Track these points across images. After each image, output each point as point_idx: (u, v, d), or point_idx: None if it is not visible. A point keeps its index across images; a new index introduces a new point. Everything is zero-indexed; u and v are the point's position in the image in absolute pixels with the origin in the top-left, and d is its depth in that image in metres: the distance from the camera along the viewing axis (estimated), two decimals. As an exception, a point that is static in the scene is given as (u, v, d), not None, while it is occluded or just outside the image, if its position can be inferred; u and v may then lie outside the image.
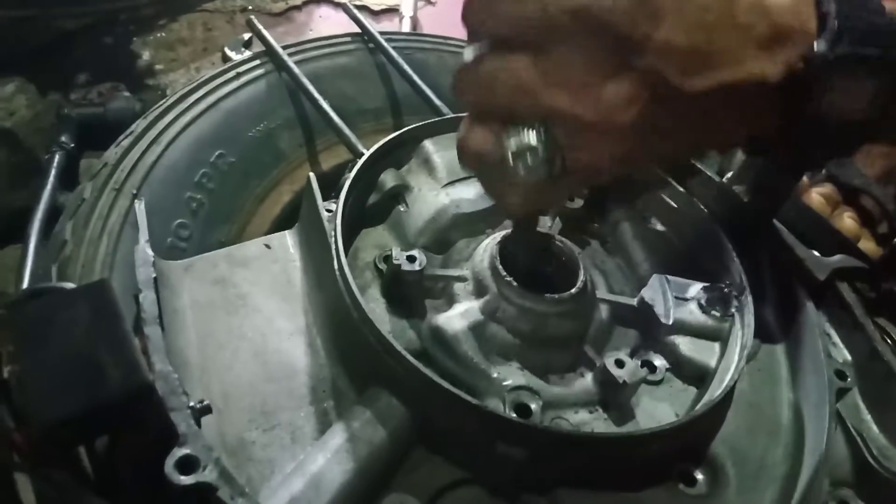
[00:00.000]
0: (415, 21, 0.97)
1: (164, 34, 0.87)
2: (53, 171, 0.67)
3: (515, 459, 0.44)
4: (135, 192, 0.54)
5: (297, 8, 0.94)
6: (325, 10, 0.96)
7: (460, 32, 0.84)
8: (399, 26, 0.95)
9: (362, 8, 0.96)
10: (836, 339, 0.56)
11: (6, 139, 0.70)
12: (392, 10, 0.98)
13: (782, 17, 0.39)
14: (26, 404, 0.33)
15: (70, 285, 0.41)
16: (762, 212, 0.63)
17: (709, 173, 0.62)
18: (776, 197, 0.63)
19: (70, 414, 0.34)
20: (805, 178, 0.81)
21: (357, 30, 0.73)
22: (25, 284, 0.54)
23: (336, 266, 0.48)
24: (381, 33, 0.73)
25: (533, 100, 0.38)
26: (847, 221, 0.78)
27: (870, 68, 0.41)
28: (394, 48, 0.72)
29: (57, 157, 0.69)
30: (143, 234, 0.46)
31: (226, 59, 0.84)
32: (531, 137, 0.39)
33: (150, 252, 0.45)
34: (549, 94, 0.38)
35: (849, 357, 0.55)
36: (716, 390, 0.49)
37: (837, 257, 0.60)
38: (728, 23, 0.37)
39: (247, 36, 0.87)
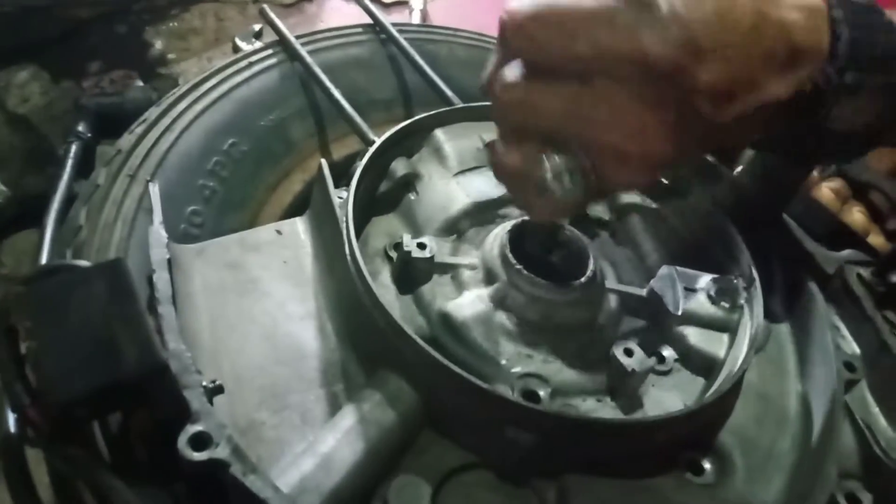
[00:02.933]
0: (425, 14, 0.97)
1: (176, 24, 0.87)
2: (70, 160, 0.68)
3: (524, 444, 0.44)
4: (149, 178, 0.54)
5: (310, 0, 0.95)
6: (336, 2, 0.96)
7: (469, 25, 0.86)
8: (409, 19, 0.96)
9: (374, 0, 0.95)
10: (845, 331, 0.56)
11: (20, 125, 0.71)
12: (402, 3, 0.98)
13: (800, 35, 0.40)
14: (42, 381, 0.34)
15: (86, 263, 0.41)
16: (771, 205, 0.63)
17: (719, 166, 0.63)
18: (785, 191, 0.63)
19: (86, 391, 0.34)
20: (815, 173, 0.82)
21: (369, 21, 0.74)
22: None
23: (347, 251, 0.49)
24: (393, 24, 0.73)
25: (577, 128, 0.39)
26: (856, 216, 0.78)
27: (877, 90, 0.42)
28: (405, 39, 0.72)
29: (74, 147, 0.69)
30: (158, 216, 0.46)
31: (236, 49, 0.85)
32: (570, 162, 0.40)
33: (163, 233, 0.46)
34: (594, 125, 0.39)
35: (857, 350, 0.55)
36: (724, 380, 0.49)
37: (846, 252, 0.60)
38: (757, 53, 0.39)
39: (257, 27, 0.87)
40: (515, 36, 0.40)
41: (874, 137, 0.46)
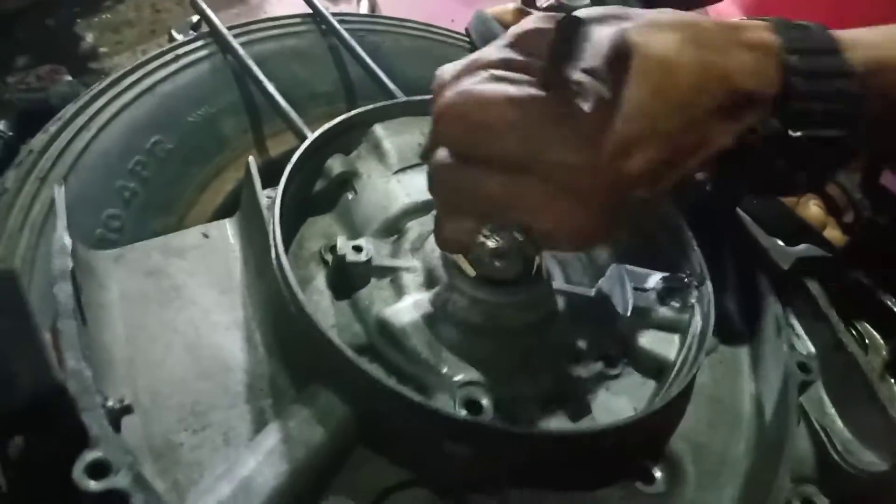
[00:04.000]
0: (373, 3, 0.94)
1: (109, 16, 0.83)
2: (-12, 159, 0.63)
3: (463, 459, 0.41)
4: (60, 181, 0.51)
5: (252, -11, 0.91)
6: (279, -8, 0.92)
7: (419, 15, 0.82)
8: (357, 9, 0.92)
9: (321, -10, 0.92)
10: (800, 330, 0.54)
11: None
12: (350, -6, 0.95)
13: (744, 82, 0.39)
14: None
15: (-25, 276, 0.38)
16: (724, 201, 0.61)
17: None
18: (736, 194, 0.61)
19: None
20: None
21: (308, 10, 0.70)
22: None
23: (273, 255, 0.45)
24: (334, 14, 0.70)
25: (508, 212, 0.39)
26: (813, 210, 0.76)
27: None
28: (347, 30, 0.69)
29: (-5, 145, 0.65)
30: (62, 221, 0.42)
31: (172, 41, 0.81)
32: (507, 242, 0.41)
33: (68, 240, 0.42)
34: (523, 212, 0.39)
35: (812, 349, 0.53)
36: (674, 384, 0.47)
37: (802, 247, 0.58)
38: (699, 112, 0.38)
39: (195, 18, 0.83)
40: (443, 128, 0.40)
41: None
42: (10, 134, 0.68)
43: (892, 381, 0.55)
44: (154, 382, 0.43)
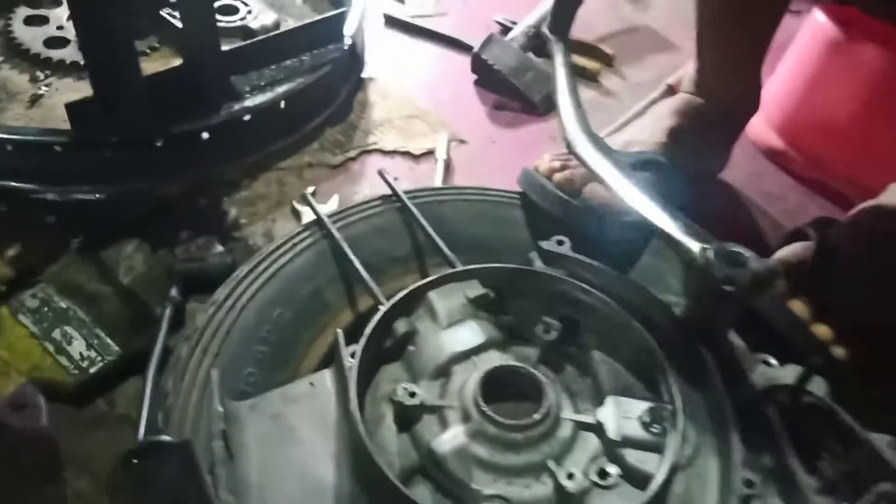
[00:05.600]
0: (448, 161, 1.15)
1: (246, 193, 1.08)
2: (165, 322, 0.89)
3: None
4: (216, 351, 0.74)
5: (353, 159, 1.14)
6: (374, 158, 1.15)
7: (492, 168, 1.03)
8: (434, 168, 1.13)
9: (405, 153, 1.14)
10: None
11: (128, 295, 0.93)
12: (430, 153, 1.16)
13: None
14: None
15: (167, 438, 0.60)
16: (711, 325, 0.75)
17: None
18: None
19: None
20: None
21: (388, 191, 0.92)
22: (143, 423, 0.74)
23: (351, 406, 0.66)
24: (406, 192, 0.91)
25: None
26: (797, 306, 0.88)
27: None
28: (417, 203, 0.90)
29: (168, 309, 0.90)
30: (216, 397, 0.65)
31: (293, 210, 1.05)
32: None
33: (220, 410, 0.64)
34: None
35: (768, 463, 0.66)
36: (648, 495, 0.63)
37: (762, 376, 0.71)
38: None
39: (311, 189, 1.07)
40: None
41: None
42: (180, 298, 0.94)
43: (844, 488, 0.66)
44: (275, 501, 0.64)
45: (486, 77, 1.36)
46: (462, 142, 1.22)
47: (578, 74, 1.39)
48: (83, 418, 0.83)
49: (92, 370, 0.84)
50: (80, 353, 0.85)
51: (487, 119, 1.30)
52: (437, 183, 1.11)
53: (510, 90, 1.33)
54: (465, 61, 1.39)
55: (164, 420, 0.70)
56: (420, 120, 1.24)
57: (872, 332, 0.86)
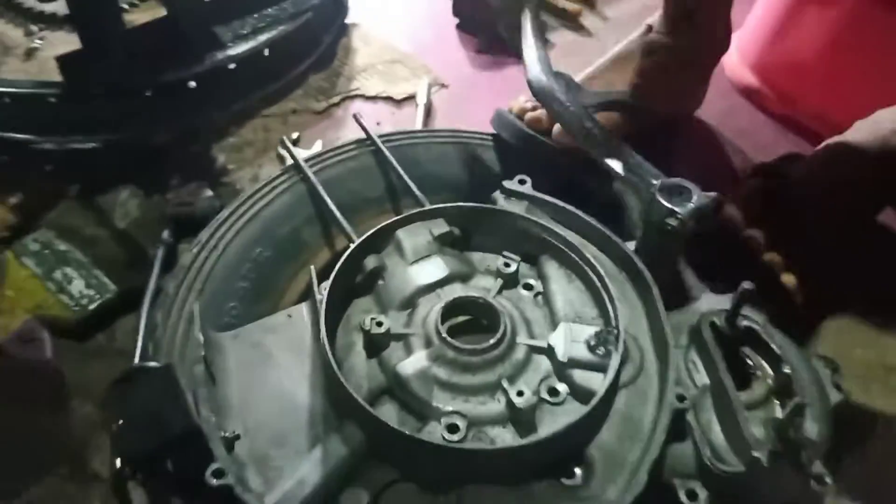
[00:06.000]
0: (428, 106, 1.18)
1: (233, 139, 1.13)
2: (158, 262, 0.95)
3: (435, 466, 0.66)
4: (200, 287, 0.80)
5: (336, 105, 1.18)
6: (357, 104, 1.19)
7: (471, 111, 1.07)
8: (415, 112, 1.18)
9: (387, 99, 1.18)
10: (700, 367, 0.73)
11: (124, 237, 0.99)
12: (412, 98, 1.20)
13: None
14: (122, 447, 0.60)
15: (152, 364, 0.67)
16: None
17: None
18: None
19: (146, 450, 0.60)
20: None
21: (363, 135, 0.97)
22: (138, 353, 0.81)
23: (321, 335, 0.72)
24: (380, 136, 0.96)
25: None
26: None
27: None
28: (390, 147, 0.95)
29: (160, 251, 0.97)
30: (197, 325, 0.71)
31: (279, 155, 1.10)
32: None
33: (201, 337, 0.71)
34: None
35: (707, 381, 0.72)
36: (589, 409, 0.69)
37: (706, 303, 0.77)
38: None
39: (295, 135, 1.12)
40: None
41: None
42: (171, 240, 1.00)
43: (777, 402, 0.72)
44: (255, 419, 0.71)
45: (468, 20, 1.38)
46: (443, 86, 1.26)
47: (559, 16, 1.41)
48: (85, 351, 0.90)
49: (91, 307, 0.91)
50: (80, 292, 0.92)
51: (468, 63, 1.33)
52: (418, 127, 1.15)
53: (492, 33, 1.35)
54: (446, 4, 1.41)
55: (154, 350, 0.77)
56: (402, 65, 1.28)
57: (821, 264, 0.91)
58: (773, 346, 0.73)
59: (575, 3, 1.43)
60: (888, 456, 0.82)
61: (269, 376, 0.74)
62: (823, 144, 1.02)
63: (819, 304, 0.91)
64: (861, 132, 0.97)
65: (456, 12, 1.40)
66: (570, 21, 1.43)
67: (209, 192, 1.05)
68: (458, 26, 1.40)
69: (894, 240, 0.99)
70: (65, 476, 0.79)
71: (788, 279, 0.90)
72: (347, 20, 1.35)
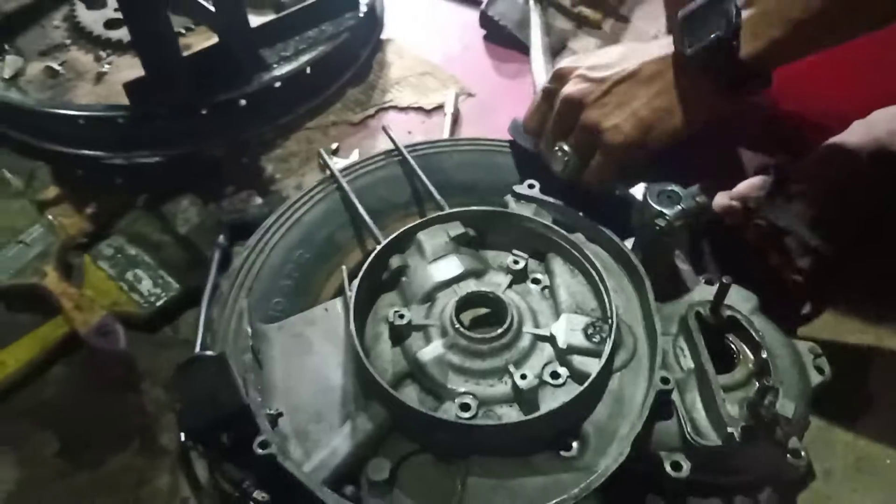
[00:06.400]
0: (456, 114, 1.28)
1: (280, 151, 1.24)
2: (215, 263, 1.07)
3: (449, 439, 0.77)
4: (250, 285, 0.93)
5: (372, 116, 1.29)
6: (391, 115, 1.30)
7: (495, 118, 1.16)
8: (444, 121, 1.27)
9: (418, 109, 1.28)
10: (687, 352, 0.82)
11: (185, 242, 1.12)
12: (441, 107, 1.30)
13: None
14: (184, 423, 0.72)
15: (208, 353, 0.80)
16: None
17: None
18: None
19: (204, 425, 0.72)
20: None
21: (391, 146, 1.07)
22: (199, 343, 0.94)
23: (350, 327, 0.83)
24: (407, 146, 1.06)
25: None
26: None
27: None
28: (416, 156, 1.05)
29: (217, 253, 1.09)
30: (246, 319, 0.83)
31: (320, 164, 1.22)
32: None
33: (249, 330, 0.83)
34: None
35: (692, 365, 0.81)
36: (582, 391, 0.78)
37: (698, 294, 0.85)
38: None
39: (334, 146, 1.24)
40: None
41: None
42: (226, 244, 1.12)
43: (756, 384, 0.80)
44: (295, 399, 0.82)
45: (494, 32, 1.48)
46: (470, 95, 1.36)
47: (581, 24, 1.49)
48: (154, 342, 1.04)
49: (158, 303, 1.05)
50: (149, 290, 1.05)
51: (494, 72, 1.42)
52: (445, 135, 1.25)
53: (516, 44, 1.44)
54: (474, 17, 1.50)
55: (211, 340, 0.90)
56: (432, 76, 1.38)
57: (819, 260, 0.97)
58: (752, 332, 0.81)
59: (597, 12, 1.50)
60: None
61: (307, 362, 0.86)
62: (823, 145, 1.08)
63: (818, 297, 0.98)
64: (856, 133, 1.02)
65: (483, 24, 1.49)
66: (593, 27, 1.50)
67: (258, 200, 1.18)
68: (486, 37, 1.49)
69: (891, 238, 1.04)
70: (137, 449, 0.93)
71: (789, 275, 0.97)
72: (383, 36, 1.45)
